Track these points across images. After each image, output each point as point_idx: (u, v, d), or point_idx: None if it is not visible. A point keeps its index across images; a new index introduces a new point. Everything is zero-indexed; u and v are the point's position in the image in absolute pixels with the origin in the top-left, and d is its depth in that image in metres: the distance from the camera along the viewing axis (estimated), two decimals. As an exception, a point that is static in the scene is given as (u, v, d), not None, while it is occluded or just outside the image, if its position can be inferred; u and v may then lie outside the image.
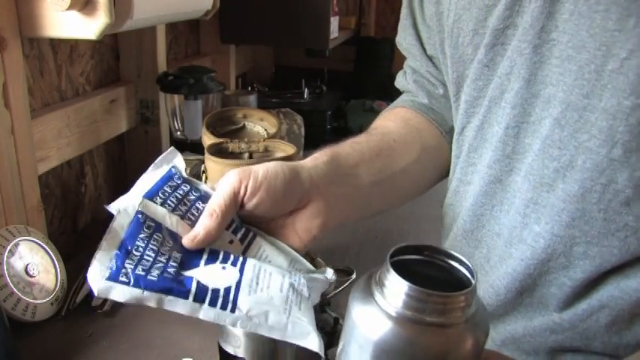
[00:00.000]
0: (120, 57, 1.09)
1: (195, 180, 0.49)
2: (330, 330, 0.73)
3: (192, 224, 0.45)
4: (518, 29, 0.49)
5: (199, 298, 0.40)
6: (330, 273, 0.48)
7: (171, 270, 0.40)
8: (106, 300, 0.77)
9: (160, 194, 0.45)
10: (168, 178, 0.47)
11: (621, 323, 0.48)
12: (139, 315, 0.77)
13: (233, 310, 0.40)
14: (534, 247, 0.50)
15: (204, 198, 0.47)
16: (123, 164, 1.14)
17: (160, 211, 0.44)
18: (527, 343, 0.53)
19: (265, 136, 0.87)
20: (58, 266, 0.77)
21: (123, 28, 0.79)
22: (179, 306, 0.39)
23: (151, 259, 0.40)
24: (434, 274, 0.36)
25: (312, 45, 1.47)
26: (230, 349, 0.55)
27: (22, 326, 0.70)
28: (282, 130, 1.32)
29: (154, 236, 0.42)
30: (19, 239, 0.74)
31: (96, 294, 0.38)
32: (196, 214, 0.46)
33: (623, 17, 0.42)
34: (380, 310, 0.33)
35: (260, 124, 0.89)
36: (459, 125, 0.59)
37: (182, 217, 0.45)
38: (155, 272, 0.40)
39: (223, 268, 0.42)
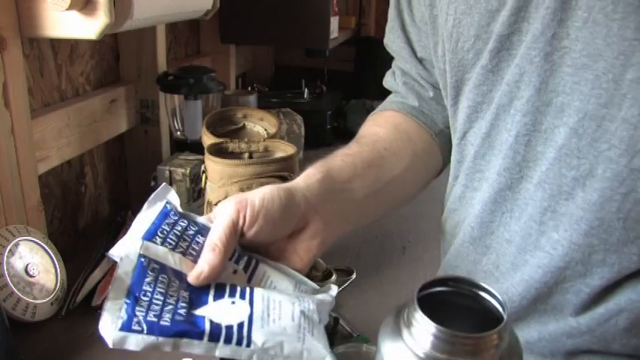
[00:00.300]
0: (120, 57, 1.09)
1: (191, 214, 0.49)
2: (330, 330, 0.73)
3: (195, 259, 0.45)
4: (525, 35, 0.48)
5: (214, 337, 0.40)
6: (334, 290, 0.48)
7: (182, 311, 0.41)
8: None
9: (159, 233, 0.45)
10: (164, 215, 0.47)
11: None
12: (139, 315, 0.77)
13: (249, 345, 0.40)
14: (552, 254, 0.49)
15: (203, 231, 0.47)
16: (123, 164, 1.14)
17: (161, 252, 0.44)
18: (543, 347, 0.52)
19: (265, 136, 0.87)
20: (58, 266, 0.77)
21: (123, 28, 0.78)
22: (195, 347, 0.39)
23: (161, 303, 0.40)
24: (462, 302, 0.35)
25: (312, 45, 1.47)
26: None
27: (22, 326, 0.70)
28: (282, 130, 1.32)
29: (160, 278, 0.42)
30: (19, 239, 0.74)
31: (110, 345, 0.38)
32: (197, 248, 0.46)
33: None
34: (408, 349, 0.32)
35: (260, 124, 0.90)
36: (461, 130, 0.58)
37: (184, 254, 0.45)
38: (167, 316, 0.40)
39: (233, 302, 0.43)
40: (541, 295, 0.51)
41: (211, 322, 0.40)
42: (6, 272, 0.69)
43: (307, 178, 0.52)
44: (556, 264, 0.49)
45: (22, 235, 0.74)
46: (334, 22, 1.45)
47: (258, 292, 0.44)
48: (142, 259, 0.42)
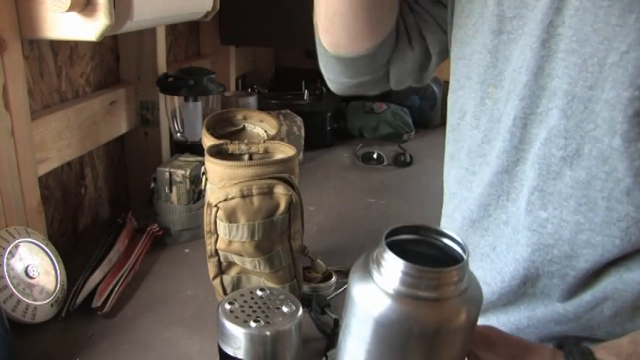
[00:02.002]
0: (120, 58, 1.09)
1: None
2: (330, 331, 0.73)
3: None
4: (526, 22, 0.51)
5: None
6: None
7: None
8: (106, 301, 0.77)
9: None
10: None
11: (624, 315, 0.49)
12: (139, 316, 0.77)
13: None
14: (541, 232, 0.51)
15: None
16: (123, 166, 1.14)
17: None
18: (532, 334, 0.54)
19: (265, 137, 0.87)
20: (58, 268, 0.77)
21: (123, 29, 0.79)
22: None
23: None
24: (428, 252, 0.38)
25: (312, 46, 1.46)
26: (230, 351, 0.55)
27: (22, 328, 0.70)
28: (281, 132, 1.32)
29: None
30: (19, 240, 0.74)
31: None
32: None
33: (625, 13, 0.44)
34: (378, 288, 0.35)
35: (260, 126, 0.89)
36: (461, 110, 0.59)
37: None
38: None
39: None
40: (529, 276, 0.52)
41: None
42: (6, 274, 0.69)
43: None
44: (545, 241, 0.51)
45: (22, 237, 0.74)
46: (334, 23, 1.44)
47: None
48: None
